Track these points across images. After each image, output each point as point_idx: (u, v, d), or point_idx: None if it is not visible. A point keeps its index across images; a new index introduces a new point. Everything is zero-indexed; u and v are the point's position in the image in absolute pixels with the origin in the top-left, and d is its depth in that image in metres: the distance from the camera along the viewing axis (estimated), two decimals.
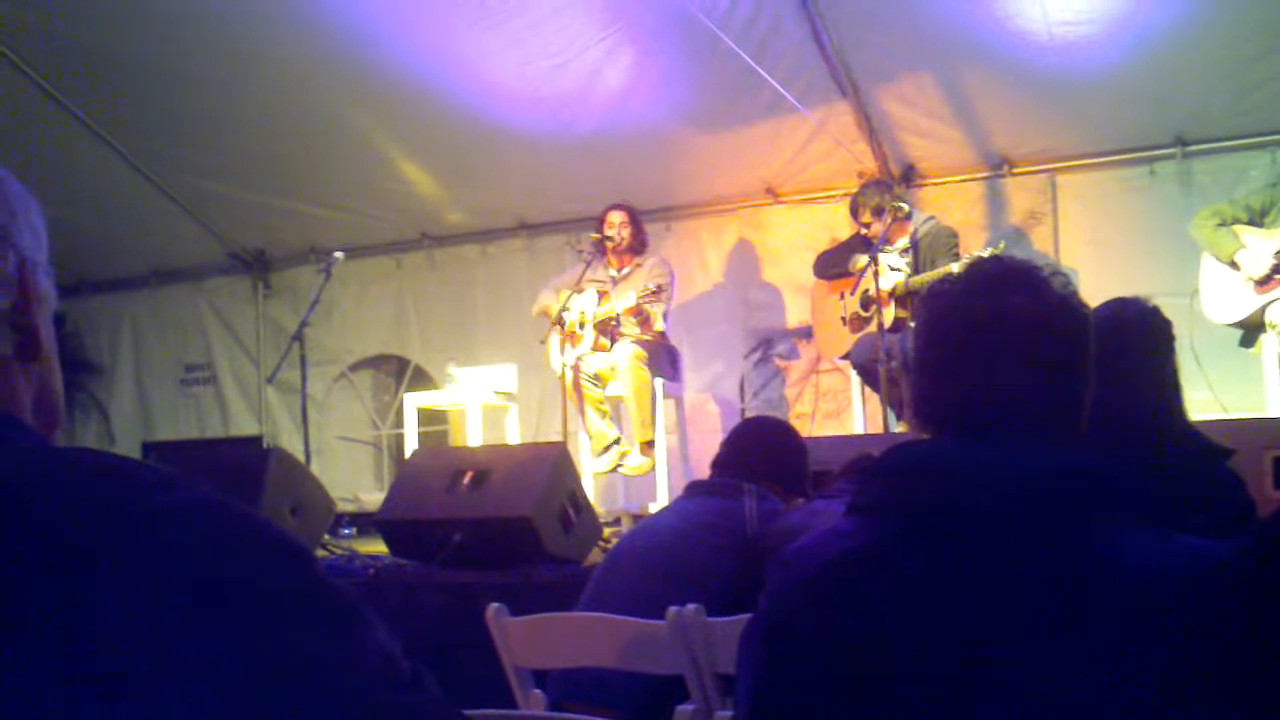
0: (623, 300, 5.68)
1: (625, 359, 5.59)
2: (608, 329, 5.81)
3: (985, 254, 4.70)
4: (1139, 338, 2.18)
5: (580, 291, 5.85)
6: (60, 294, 1.00)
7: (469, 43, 5.93)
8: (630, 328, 5.76)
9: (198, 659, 0.74)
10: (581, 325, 5.84)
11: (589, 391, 5.75)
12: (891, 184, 6.06)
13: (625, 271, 5.98)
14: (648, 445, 5.66)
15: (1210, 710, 1.09)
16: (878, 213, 5.56)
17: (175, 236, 7.81)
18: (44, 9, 5.97)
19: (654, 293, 5.55)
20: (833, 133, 6.18)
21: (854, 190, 5.91)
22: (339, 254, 6.28)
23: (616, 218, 5.95)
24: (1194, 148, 5.86)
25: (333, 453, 7.73)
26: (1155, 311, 2.26)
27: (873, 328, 5.34)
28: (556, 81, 6.07)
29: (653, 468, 5.71)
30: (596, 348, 5.82)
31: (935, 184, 6.45)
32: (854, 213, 5.75)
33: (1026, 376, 1.31)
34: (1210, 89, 5.56)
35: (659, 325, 5.77)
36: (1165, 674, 1.10)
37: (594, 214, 6.29)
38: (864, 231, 5.70)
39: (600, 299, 5.87)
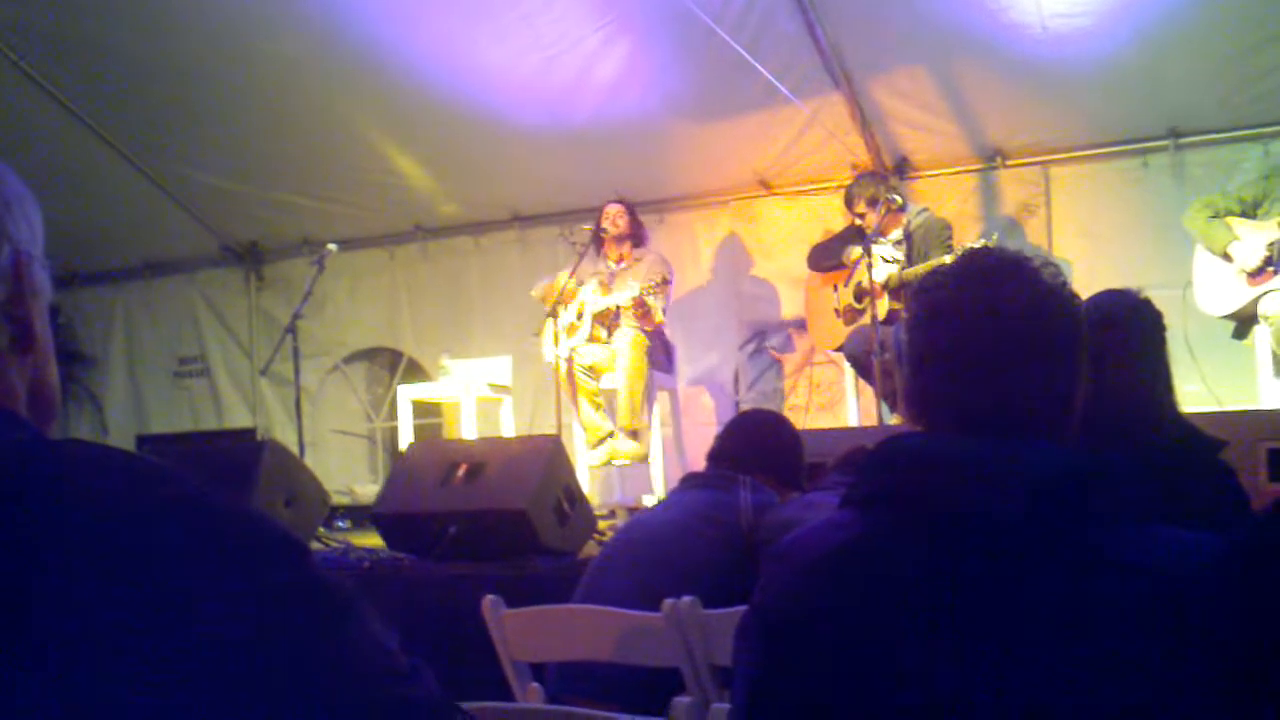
0: (625, 291, 5.68)
1: (626, 344, 5.59)
2: (606, 320, 5.82)
3: (977, 246, 4.70)
4: (1130, 330, 2.18)
5: (580, 284, 5.86)
6: (53, 286, 1.00)
7: (462, 35, 5.92)
8: (629, 320, 5.76)
9: (193, 656, 0.74)
10: (579, 316, 5.84)
11: (583, 383, 5.75)
12: (886, 176, 6.07)
13: (623, 265, 5.99)
14: (634, 432, 5.65)
15: (1207, 704, 1.09)
16: (872, 204, 5.57)
17: (168, 229, 7.80)
18: (39, 3, 5.94)
19: (659, 285, 5.56)
20: (826, 124, 6.17)
21: (847, 182, 5.92)
22: (332, 246, 6.27)
23: (613, 209, 5.98)
24: (1187, 140, 5.86)
25: (327, 445, 7.73)
26: (1146, 303, 2.26)
27: (866, 320, 5.35)
28: (550, 74, 6.06)
29: (645, 454, 5.71)
30: (592, 338, 5.82)
31: (929, 176, 6.46)
32: (848, 203, 5.75)
33: (1018, 368, 1.31)
34: (1203, 81, 5.57)
35: (659, 318, 5.77)
36: (1160, 668, 1.10)
37: (587, 206, 6.29)
38: (858, 222, 5.70)
39: (601, 290, 5.87)
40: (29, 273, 0.94)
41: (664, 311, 5.85)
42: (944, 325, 1.35)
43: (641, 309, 5.66)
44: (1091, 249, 6.04)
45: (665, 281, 5.62)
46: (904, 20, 5.57)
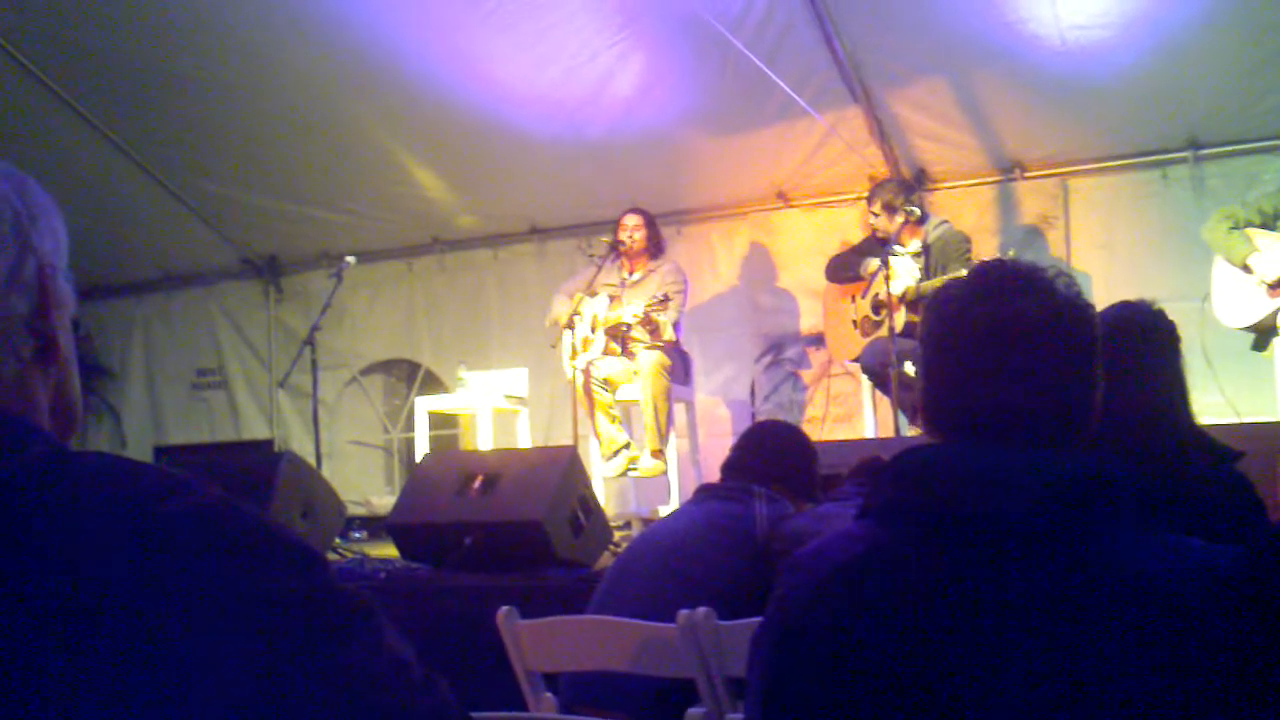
0: (630, 309, 5.68)
1: (648, 365, 5.59)
2: (618, 334, 5.82)
3: (993, 259, 4.69)
4: (1144, 341, 2.18)
5: (593, 295, 5.86)
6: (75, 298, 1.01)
7: (480, 47, 5.94)
8: (641, 334, 5.77)
9: (208, 665, 0.75)
10: (593, 329, 5.85)
11: (599, 396, 5.75)
12: (914, 187, 6.04)
13: (638, 276, 5.99)
14: (658, 450, 5.67)
15: (1217, 714, 1.09)
16: (888, 209, 5.57)
17: (187, 241, 7.84)
18: (59, 15, 5.99)
19: (661, 302, 5.55)
20: (844, 137, 6.17)
21: (865, 194, 5.93)
22: (350, 258, 6.29)
23: (631, 220, 5.97)
24: (1207, 151, 5.84)
25: (344, 456, 7.74)
26: (1160, 315, 2.26)
27: (884, 332, 5.34)
28: (568, 86, 6.08)
29: (665, 470, 5.71)
30: (607, 352, 5.82)
31: (947, 188, 6.45)
32: (868, 201, 5.77)
33: (1034, 380, 1.31)
34: (1223, 92, 5.54)
35: (668, 335, 5.76)
36: (1172, 678, 1.10)
37: (605, 218, 6.30)
38: (872, 222, 5.72)
39: (611, 303, 5.87)
40: (53, 285, 0.95)
41: (676, 327, 5.84)
42: (959, 337, 1.36)
43: (649, 325, 5.66)
44: (1110, 261, 6.02)
45: (666, 299, 5.60)
46: (922, 33, 5.56)
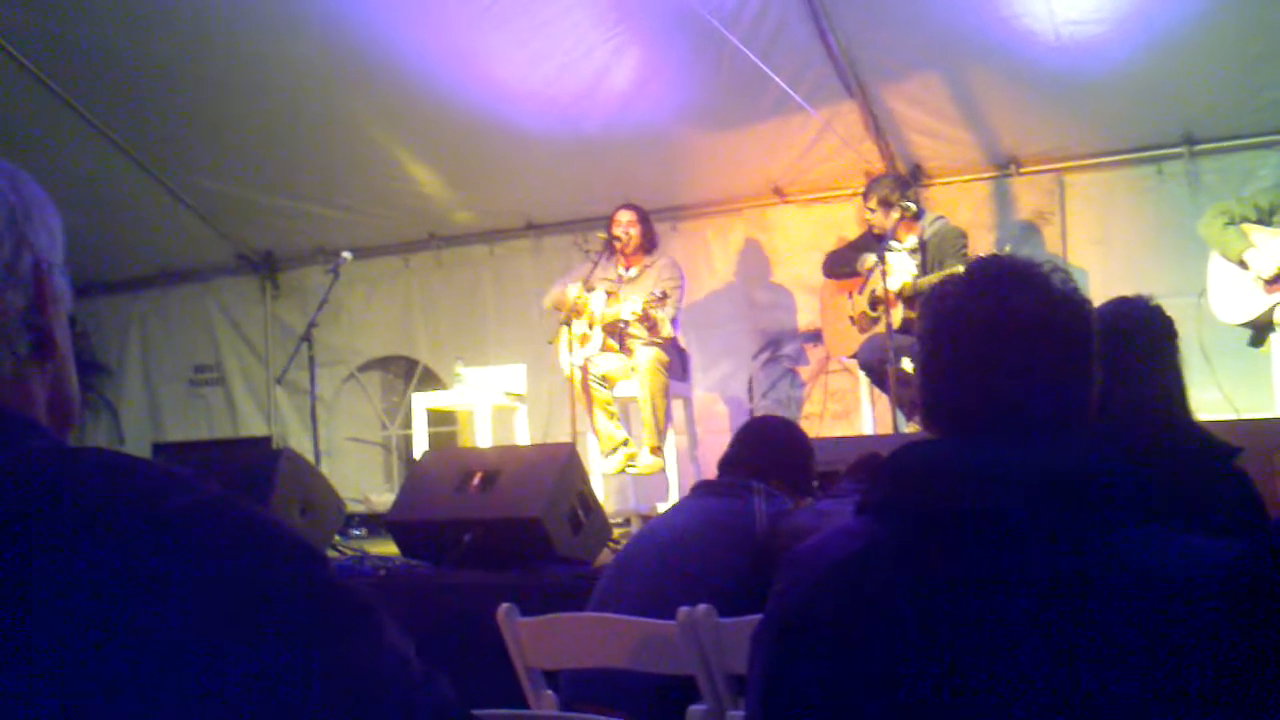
0: (628, 305, 5.67)
1: (646, 361, 5.58)
2: (615, 331, 5.82)
3: (989, 255, 4.69)
4: (1141, 336, 2.18)
5: (590, 291, 5.86)
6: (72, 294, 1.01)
7: (476, 43, 5.94)
8: (639, 330, 5.76)
9: (208, 661, 0.75)
10: (590, 326, 5.85)
11: (597, 393, 5.75)
12: (909, 183, 6.05)
13: (634, 272, 5.98)
14: (656, 447, 5.67)
15: (1215, 710, 1.09)
16: (884, 205, 5.57)
17: (183, 237, 7.83)
18: (53, 11, 5.98)
19: (659, 299, 5.55)
20: (839, 132, 6.17)
21: (861, 190, 5.93)
22: (347, 254, 6.28)
23: (625, 216, 5.97)
24: (1202, 147, 5.84)
25: (342, 453, 7.74)
26: (1157, 310, 2.26)
27: (881, 328, 5.34)
28: (564, 81, 6.07)
29: (663, 467, 5.72)
30: (605, 348, 5.82)
31: (942, 184, 6.45)
32: (864, 196, 5.78)
33: (1030, 374, 1.31)
34: (1219, 88, 5.55)
35: (666, 331, 5.76)
36: (1172, 673, 1.10)
37: (601, 214, 6.30)
38: (868, 217, 5.72)
39: (608, 299, 5.87)
40: (49, 280, 0.95)
41: (673, 323, 5.84)
42: (955, 333, 1.36)
43: (647, 321, 5.65)
44: (1106, 257, 6.03)
45: (665, 296, 5.59)
46: (917, 28, 5.56)
